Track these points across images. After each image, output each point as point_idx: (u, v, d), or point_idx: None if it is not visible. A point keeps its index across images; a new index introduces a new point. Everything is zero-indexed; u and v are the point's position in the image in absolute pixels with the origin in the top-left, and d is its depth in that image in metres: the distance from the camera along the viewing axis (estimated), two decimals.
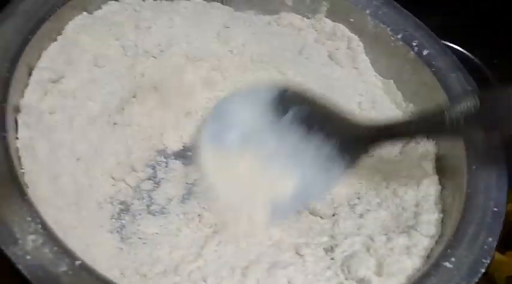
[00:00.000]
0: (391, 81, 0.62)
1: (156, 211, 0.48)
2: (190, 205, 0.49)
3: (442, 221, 0.47)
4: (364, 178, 0.53)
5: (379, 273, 0.44)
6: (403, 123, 0.49)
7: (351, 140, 0.49)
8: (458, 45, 0.78)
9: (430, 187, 0.50)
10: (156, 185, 0.50)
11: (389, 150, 0.55)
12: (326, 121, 0.50)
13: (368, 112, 0.59)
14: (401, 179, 0.52)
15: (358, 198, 0.52)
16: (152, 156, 0.52)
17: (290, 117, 0.50)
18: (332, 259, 0.45)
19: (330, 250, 0.47)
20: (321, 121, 0.50)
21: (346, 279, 0.44)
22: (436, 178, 0.51)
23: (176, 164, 0.52)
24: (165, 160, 0.52)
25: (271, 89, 0.52)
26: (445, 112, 0.43)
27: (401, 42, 0.60)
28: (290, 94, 0.51)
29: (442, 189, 0.50)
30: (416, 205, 0.49)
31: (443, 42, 0.59)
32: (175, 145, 0.53)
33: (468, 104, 0.42)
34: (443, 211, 0.48)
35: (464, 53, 0.78)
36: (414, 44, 0.59)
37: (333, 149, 0.49)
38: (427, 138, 0.53)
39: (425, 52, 0.58)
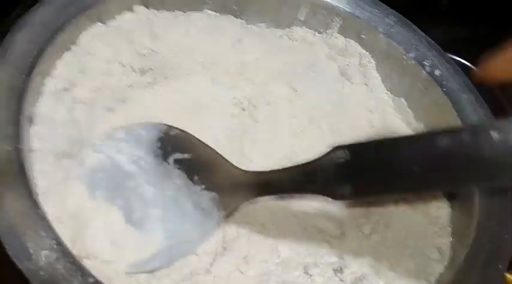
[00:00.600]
0: (402, 99, 0.62)
1: None
2: None
3: (452, 246, 0.47)
4: None
5: None
6: (287, 174, 0.44)
7: (229, 190, 0.47)
8: (462, 58, 0.77)
9: (440, 210, 0.50)
10: None
11: None
12: (207, 170, 0.47)
13: (378, 131, 0.59)
14: (410, 200, 0.52)
15: (366, 218, 0.52)
16: None
17: (171, 162, 0.47)
18: (341, 280, 0.45)
19: (338, 270, 0.46)
20: (201, 169, 0.47)
21: None
22: (445, 200, 0.51)
23: None
24: None
25: (151, 129, 0.48)
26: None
27: (413, 61, 0.60)
28: (172, 138, 0.48)
29: (452, 212, 0.50)
30: (426, 228, 0.49)
31: (449, 55, 0.60)
32: None
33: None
34: (454, 234, 0.48)
35: (468, 66, 0.77)
36: (426, 63, 0.59)
37: (210, 200, 0.46)
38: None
39: (437, 72, 0.59)
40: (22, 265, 0.35)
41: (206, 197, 0.46)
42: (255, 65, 0.59)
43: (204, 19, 0.61)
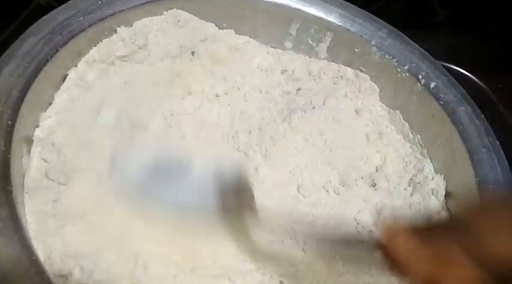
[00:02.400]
0: (398, 111, 0.61)
1: None
2: None
3: None
4: None
5: None
6: None
7: None
8: (460, 67, 0.76)
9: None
10: None
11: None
12: None
13: (375, 144, 0.58)
14: None
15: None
16: None
17: None
18: None
19: None
20: None
21: None
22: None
23: None
24: None
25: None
26: None
27: (407, 74, 0.59)
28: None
29: None
30: None
31: (445, 64, 0.60)
32: None
33: None
34: None
35: (466, 75, 0.77)
36: (421, 76, 0.59)
37: None
38: None
39: (432, 84, 0.58)
40: None
41: None
42: None
43: None
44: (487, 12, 0.75)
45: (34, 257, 0.36)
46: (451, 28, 0.77)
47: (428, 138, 0.58)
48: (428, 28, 0.70)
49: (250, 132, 0.58)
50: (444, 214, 0.53)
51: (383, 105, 0.62)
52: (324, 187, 0.54)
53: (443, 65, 0.59)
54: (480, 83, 0.76)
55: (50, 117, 0.48)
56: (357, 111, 0.62)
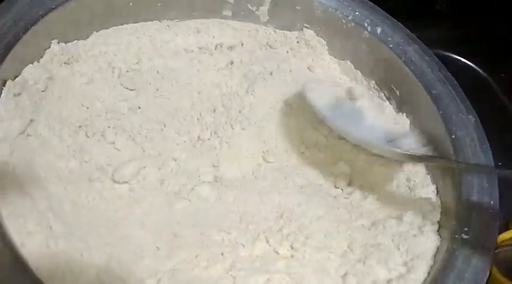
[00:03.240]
0: (348, 61, 0.63)
1: None
2: None
3: None
4: None
5: None
6: None
7: None
8: (461, 56, 0.78)
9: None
10: None
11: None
12: None
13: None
14: None
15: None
16: None
17: None
18: None
19: None
20: None
21: None
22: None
23: None
24: None
25: None
26: None
27: (352, 23, 0.60)
28: None
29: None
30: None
31: (445, 53, 0.59)
32: None
33: None
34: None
35: (466, 64, 0.77)
36: (366, 23, 0.60)
37: None
38: None
39: (378, 29, 0.60)
40: None
41: None
42: None
43: None
44: (487, 1, 0.74)
45: None
46: (451, 17, 0.76)
47: (383, 81, 0.60)
48: (428, 17, 0.69)
49: (214, 111, 0.57)
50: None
51: (332, 57, 0.64)
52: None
53: (443, 54, 0.59)
54: (481, 72, 0.76)
55: None
56: (309, 69, 0.63)
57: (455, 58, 0.75)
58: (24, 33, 0.47)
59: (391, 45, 0.59)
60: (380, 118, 0.55)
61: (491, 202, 0.47)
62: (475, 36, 0.75)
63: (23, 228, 0.40)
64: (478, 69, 0.76)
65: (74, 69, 0.54)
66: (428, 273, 0.44)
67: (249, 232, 0.47)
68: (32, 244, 0.39)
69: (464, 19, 0.76)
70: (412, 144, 0.52)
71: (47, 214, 0.42)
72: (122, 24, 0.59)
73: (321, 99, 0.54)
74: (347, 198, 0.54)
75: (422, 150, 0.53)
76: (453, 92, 0.55)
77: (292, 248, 0.47)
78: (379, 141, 0.51)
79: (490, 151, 0.51)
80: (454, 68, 0.58)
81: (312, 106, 0.53)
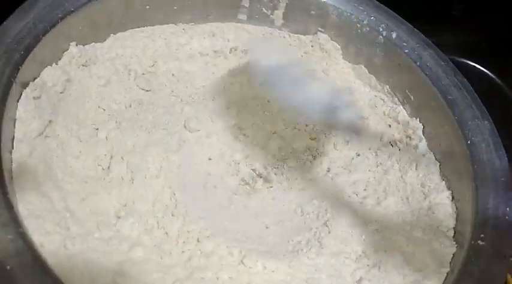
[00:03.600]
0: (362, 65, 0.63)
1: None
2: None
3: None
4: None
5: None
6: None
7: None
8: (476, 63, 0.77)
9: None
10: None
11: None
12: None
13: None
14: None
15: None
16: None
17: None
18: None
19: None
20: None
21: None
22: None
23: None
24: None
25: None
26: None
27: (367, 28, 0.61)
28: None
29: None
30: None
31: (461, 59, 0.59)
32: None
33: None
34: None
35: (482, 71, 0.76)
36: (381, 28, 0.60)
37: None
38: None
39: (394, 34, 0.60)
40: None
41: None
42: None
43: None
44: (503, 7, 0.73)
45: None
46: (467, 23, 0.75)
47: (397, 86, 0.61)
48: (444, 23, 0.68)
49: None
50: (428, 155, 0.56)
51: (346, 62, 0.64)
52: None
53: (459, 60, 0.58)
54: (496, 79, 0.76)
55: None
56: (324, 72, 0.63)
57: (470, 64, 0.74)
58: (43, 35, 0.48)
59: (406, 50, 0.59)
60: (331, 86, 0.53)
61: (507, 209, 0.47)
62: (491, 43, 0.75)
63: (42, 228, 0.40)
64: (493, 76, 0.76)
65: (92, 72, 0.54)
66: (445, 280, 0.44)
67: None
68: (50, 245, 0.39)
69: (480, 26, 0.75)
70: (352, 115, 0.50)
71: (65, 214, 0.43)
72: (138, 27, 0.59)
73: (267, 59, 0.51)
74: (361, 203, 0.54)
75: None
76: (469, 98, 0.55)
77: (307, 253, 0.47)
78: (312, 108, 0.49)
79: (506, 158, 0.50)
80: (469, 74, 0.58)
81: (251, 66, 0.51)
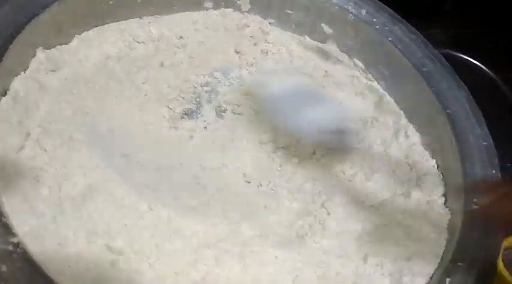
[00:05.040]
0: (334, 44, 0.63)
1: None
2: None
3: None
4: None
5: None
6: None
7: None
8: (469, 56, 0.77)
9: None
10: None
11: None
12: None
13: None
14: None
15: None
16: None
17: None
18: None
19: None
20: None
21: None
22: None
23: None
24: None
25: None
26: None
27: (337, 7, 0.61)
28: None
29: None
30: None
31: (453, 52, 0.59)
32: None
33: None
34: None
35: (475, 64, 0.76)
36: (350, 6, 0.60)
37: None
38: None
39: (363, 11, 0.60)
40: None
41: None
42: None
43: None
44: (496, 1, 0.72)
45: None
46: (459, 16, 0.75)
47: (371, 63, 0.61)
48: (435, 16, 0.67)
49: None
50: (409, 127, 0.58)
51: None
52: None
53: (452, 54, 0.57)
54: (489, 72, 0.75)
55: None
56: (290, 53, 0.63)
57: (463, 58, 0.75)
58: (10, 43, 0.45)
59: (376, 27, 0.60)
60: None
61: (493, 171, 0.50)
62: (484, 36, 0.75)
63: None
64: (486, 70, 0.76)
65: (62, 76, 0.51)
66: (445, 246, 0.46)
67: None
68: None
69: (472, 19, 0.75)
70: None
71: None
72: (103, 25, 0.57)
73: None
74: (350, 181, 0.55)
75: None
76: (443, 69, 0.57)
77: (312, 237, 0.47)
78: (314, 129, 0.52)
79: (485, 124, 0.53)
80: (462, 68, 0.58)
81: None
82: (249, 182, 0.53)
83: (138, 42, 0.58)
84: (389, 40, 0.59)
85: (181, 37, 0.60)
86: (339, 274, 0.45)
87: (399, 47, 0.58)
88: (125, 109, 0.53)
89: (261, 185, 0.53)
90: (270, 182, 0.53)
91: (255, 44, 0.63)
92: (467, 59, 0.76)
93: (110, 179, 0.45)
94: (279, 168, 0.55)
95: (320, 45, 0.64)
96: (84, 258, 0.39)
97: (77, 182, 0.44)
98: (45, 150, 0.44)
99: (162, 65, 0.57)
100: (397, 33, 0.59)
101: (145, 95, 0.55)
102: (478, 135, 0.52)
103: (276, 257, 0.44)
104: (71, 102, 0.50)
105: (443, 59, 0.57)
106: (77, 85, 0.51)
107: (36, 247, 0.37)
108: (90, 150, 0.47)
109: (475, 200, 0.47)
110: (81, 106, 0.50)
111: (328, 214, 0.50)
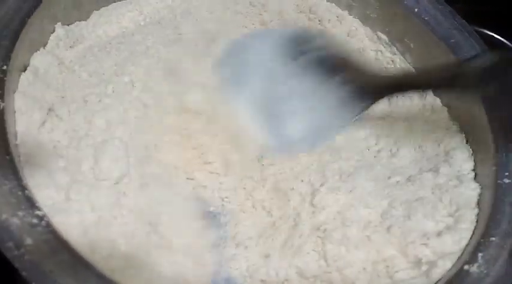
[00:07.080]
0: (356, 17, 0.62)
1: None
2: None
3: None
4: None
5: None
6: (416, 74, 0.51)
7: (362, 88, 0.50)
8: (490, 31, 0.75)
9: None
10: None
11: None
12: (340, 68, 0.51)
13: None
14: None
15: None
16: None
17: (305, 59, 0.51)
18: None
19: None
20: (334, 66, 0.51)
21: None
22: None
23: None
24: None
25: (285, 32, 0.53)
26: (462, 65, 0.44)
27: None
28: (307, 37, 0.53)
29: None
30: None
31: (477, 28, 0.57)
32: None
33: (488, 60, 0.44)
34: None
35: (497, 38, 0.74)
36: None
37: (344, 95, 0.50)
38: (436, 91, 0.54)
39: None
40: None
41: (339, 92, 0.50)
42: None
43: None
44: None
45: None
46: None
47: (395, 36, 0.59)
48: None
49: None
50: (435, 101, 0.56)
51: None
52: None
53: (476, 30, 0.55)
54: None
55: None
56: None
57: (488, 34, 0.73)
58: (28, 18, 0.44)
59: (405, 2, 0.57)
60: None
61: None
62: (509, 12, 0.73)
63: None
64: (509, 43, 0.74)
65: (80, 53, 0.51)
66: (477, 221, 0.45)
67: None
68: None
69: None
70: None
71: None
72: (121, 0, 0.56)
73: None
74: (376, 157, 0.53)
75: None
76: (471, 39, 0.54)
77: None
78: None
79: None
80: (486, 44, 0.55)
81: None
82: None
83: (156, 16, 0.57)
84: (415, 11, 0.57)
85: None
86: None
87: (426, 18, 0.56)
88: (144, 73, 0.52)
89: None
90: None
91: None
92: (491, 35, 0.74)
93: None
94: None
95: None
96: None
97: None
98: (61, 119, 0.44)
99: (180, 37, 0.56)
100: (423, 3, 0.57)
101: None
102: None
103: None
104: (87, 68, 0.50)
105: (472, 29, 0.55)
106: (94, 56, 0.51)
107: (59, 220, 0.37)
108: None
109: (506, 173, 0.46)
110: (98, 68, 0.50)
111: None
